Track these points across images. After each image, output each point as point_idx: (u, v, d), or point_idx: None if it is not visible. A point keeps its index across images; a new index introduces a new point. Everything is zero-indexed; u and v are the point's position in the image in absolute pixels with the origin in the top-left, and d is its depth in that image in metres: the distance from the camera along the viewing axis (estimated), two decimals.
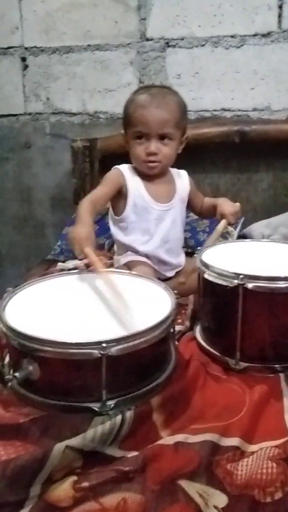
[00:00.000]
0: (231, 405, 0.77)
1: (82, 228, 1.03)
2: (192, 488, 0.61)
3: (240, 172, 1.72)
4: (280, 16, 1.57)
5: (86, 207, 1.09)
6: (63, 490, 0.61)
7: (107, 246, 1.53)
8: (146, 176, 1.21)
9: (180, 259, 1.28)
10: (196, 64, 1.66)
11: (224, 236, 1.30)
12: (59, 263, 1.46)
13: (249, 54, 1.62)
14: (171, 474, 0.63)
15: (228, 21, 1.60)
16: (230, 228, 1.32)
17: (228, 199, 1.26)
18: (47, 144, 1.84)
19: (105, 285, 0.92)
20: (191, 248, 1.46)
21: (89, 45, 1.70)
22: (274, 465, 0.65)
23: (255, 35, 1.60)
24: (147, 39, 1.66)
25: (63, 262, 1.48)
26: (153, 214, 1.20)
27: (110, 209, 1.25)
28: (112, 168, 1.23)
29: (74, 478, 0.63)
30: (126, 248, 1.22)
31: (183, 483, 0.62)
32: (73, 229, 1.04)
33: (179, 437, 0.70)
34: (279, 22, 1.58)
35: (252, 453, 0.68)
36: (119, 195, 1.20)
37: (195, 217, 1.55)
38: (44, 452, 0.64)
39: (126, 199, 1.19)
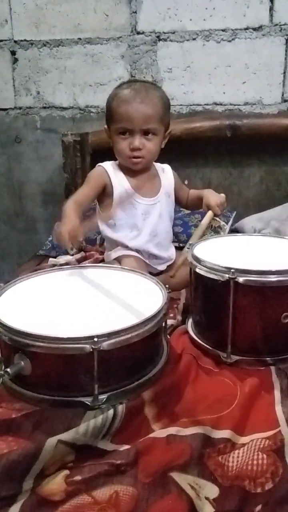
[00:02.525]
0: (223, 398, 0.77)
1: (69, 224, 1.00)
2: (184, 480, 0.62)
3: (232, 166, 1.73)
4: (271, 9, 1.57)
5: (70, 207, 1.07)
6: (56, 484, 0.62)
7: (99, 241, 1.53)
8: (130, 172, 1.21)
9: (170, 252, 1.29)
10: (188, 58, 1.65)
11: (216, 231, 1.31)
12: (51, 259, 1.46)
13: (240, 48, 1.62)
14: (163, 467, 0.64)
15: (219, 14, 1.60)
16: (222, 223, 1.32)
17: (215, 192, 1.25)
18: (37, 139, 1.83)
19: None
20: (182, 243, 1.46)
21: (79, 39, 1.69)
22: (265, 456, 0.65)
23: (246, 28, 1.60)
24: (138, 33, 1.66)
25: (55, 257, 1.48)
26: (139, 209, 1.20)
27: (98, 207, 1.25)
28: (96, 166, 1.23)
29: (67, 472, 0.64)
30: (116, 243, 1.22)
31: (175, 475, 0.62)
32: (59, 226, 1.01)
33: (171, 430, 0.70)
34: (271, 15, 1.58)
35: (243, 445, 0.68)
36: (104, 193, 1.20)
37: (187, 212, 1.56)
38: (36, 447, 0.64)
39: (111, 196, 1.19)
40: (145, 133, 1.15)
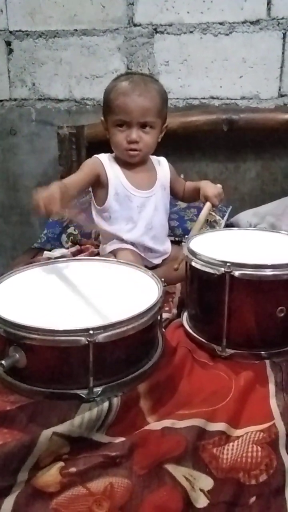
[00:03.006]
0: (218, 391, 0.78)
1: (47, 192, 0.96)
2: (179, 472, 0.62)
3: (228, 160, 1.72)
4: (269, 3, 1.57)
5: (55, 183, 1.03)
6: (51, 476, 0.62)
7: (94, 235, 1.52)
8: (126, 165, 1.20)
9: (166, 246, 1.29)
10: (185, 51, 1.64)
11: (212, 225, 1.31)
12: (45, 252, 1.45)
13: (238, 42, 1.61)
14: (157, 459, 0.64)
15: (217, 7, 1.59)
16: (218, 217, 1.32)
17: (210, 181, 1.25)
18: (33, 131, 1.81)
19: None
20: (178, 237, 1.46)
21: (75, 30, 1.67)
22: (259, 448, 0.66)
23: (244, 22, 1.59)
24: (135, 25, 1.64)
25: (50, 250, 1.47)
26: (135, 201, 1.19)
27: (93, 199, 1.24)
28: (92, 157, 1.22)
29: (62, 464, 0.64)
30: (112, 236, 1.22)
31: (170, 467, 0.63)
32: (37, 192, 0.97)
33: (166, 423, 0.70)
34: (268, 9, 1.57)
35: (238, 437, 0.69)
36: (99, 185, 1.19)
37: (183, 205, 1.56)
38: (31, 439, 0.64)
39: (107, 188, 1.18)
40: (143, 126, 1.14)
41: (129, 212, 1.20)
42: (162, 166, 1.28)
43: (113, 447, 0.66)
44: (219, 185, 1.23)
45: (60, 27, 1.68)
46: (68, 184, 1.10)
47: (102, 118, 1.20)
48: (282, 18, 1.57)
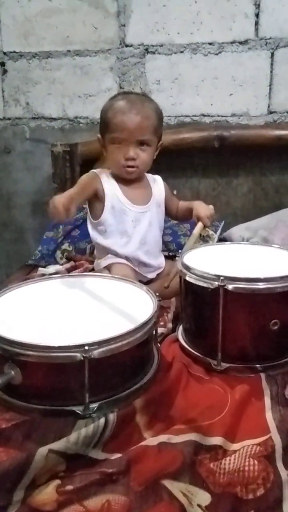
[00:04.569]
0: (213, 405, 0.77)
1: (63, 196, 1.01)
2: (176, 488, 0.62)
3: (220, 176, 1.75)
4: (256, 24, 1.61)
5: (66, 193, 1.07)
6: (47, 494, 0.61)
7: (88, 251, 1.53)
8: (123, 180, 1.22)
9: (160, 261, 1.30)
10: (175, 70, 1.68)
11: (205, 240, 1.32)
12: (40, 268, 1.45)
13: (227, 61, 1.65)
14: (154, 475, 0.63)
15: (206, 28, 1.63)
16: (211, 232, 1.33)
17: (203, 202, 1.27)
18: (27, 149, 1.83)
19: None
20: (172, 252, 1.47)
21: (68, 51, 1.71)
22: (256, 462, 0.66)
23: (232, 42, 1.64)
24: (127, 45, 1.68)
25: (44, 267, 1.47)
26: (130, 216, 1.21)
27: (88, 214, 1.26)
28: (89, 172, 1.24)
29: (58, 482, 0.63)
30: (106, 251, 1.23)
31: (167, 482, 0.62)
32: (54, 200, 1.01)
33: (162, 438, 0.70)
34: (256, 30, 1.62)
35: (234, 451, 0.69)
36: (96, 199, 1.21)
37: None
38: (27, 457, 0.63)
39: (103, 202, 1.20)
40: (140, 143, 1.17)
41: (124, 226, 1.21)
42: (157, 184, 1.30)
43: (109, 463, 0.66)
44: (211, 206, 1.26)
45: (54, 48, 1.71)
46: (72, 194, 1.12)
47: (99, 135, 1.22)
48: (270, 38, 1.62)
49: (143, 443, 0.69)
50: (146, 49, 1.68)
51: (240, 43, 1.63)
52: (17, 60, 1.74)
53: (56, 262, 1.51)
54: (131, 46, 1.68)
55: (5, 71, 1.77)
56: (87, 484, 0.62)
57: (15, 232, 1.92)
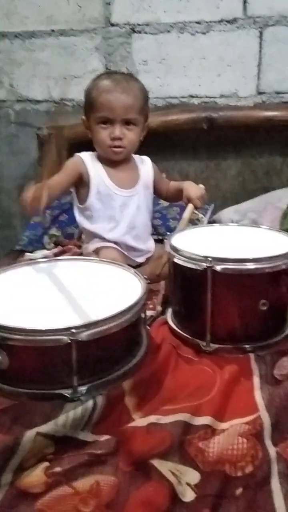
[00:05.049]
0: (202, 385, 0.78)
1: (32, 190, 0.99)
2: (165, 467, 0.62)
3: (209, 159, 1.73)
4: (245, 2, 1.58)
5: (39, 184, 1.05)
6: (35, 476, 0.61)
7: (76, 235, 1.52)
8: (109, 163, 1.20)
9: (149, 245, 1.28)
10: (163, 50, 1.65)
11: (195, 223, 1.31)
12: (27, 253, 1.44)
13: (215, 41, 1.62)
14: (143, 455, 0.63)
15: (193, 6, 1.60)
16: (200, 215, 1.32)
17: (193, 182, 1.26)
18: (12, 133, 1.79)
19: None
20: (162, 235, 1.46)
21: (52, 30, 1.66)
22: (245, 440, 0.66)
23: (220, 21, 1.60)
24: (112, 25, 1.64)
25: (31, 252, 1.45)
26: (117, 200, 1.19)
27: (75, 198, 1.24)
28: (74, 156, 1.22)
29: (46, 464, 0.63)
30: (94, 235, 1.21)
31: (156, 462, 0.62)
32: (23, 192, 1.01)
33: (151, 419, 0.70)
34: (244, 8, 1.59)
35: (223, 430, 0.69)
36: (81, 183, 1.19)
37: (166, 204, 1.56)
38: (14, 440, 0.63)
39: (89, 187, 1.18)
40: (126, 123, 1.14)
41: (111, 211, 1.19)
42: (145, 165, 1.28)
43: (98, 445, 0.66)
44: (201, 186, 1.23)
45: (37, 27, 1.66)
46: (49, 183, 1.10)
47: (84, 117, 1.19)
48: (258, 17, 1.59)
49: (131, 424, 0.69)
50: (132, 29, 1.64)
51: (228, 21, 1.60)
52: None
53: (43, 247, 1.49)
54: (116, 25, 1.64)
55: None
56: (75, 465, 0.62)
57: (1, 217, 1.89)
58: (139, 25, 1.63)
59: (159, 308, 1.06)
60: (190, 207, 1.19)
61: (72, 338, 0.70)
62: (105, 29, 1.64)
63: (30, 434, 0.64)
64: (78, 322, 0.72)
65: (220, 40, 1.62)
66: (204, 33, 1.62)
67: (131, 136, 1.16)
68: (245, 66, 1.64)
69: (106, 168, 1.20)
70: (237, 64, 1.64)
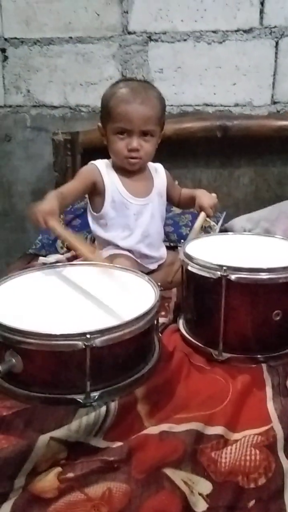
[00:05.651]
0: (215, 394, 0.77)
1: (46, 204, 0.99)
2: (177, 476, 0.62)
3: (222, 167, 1.74)
4: (261, 12, 1.59)
5: (53, 193, 1.06)
6: (48, 481, 0.61)
7: (89, 240, 1.52)
8: (124, 172, 1.20)
9: (161, 252, 1.29)
10: (179, 58, 1.66)
11: (206, 231, 1.32)
12: (41, 257, 1.45)
13: (231, 50, 1.63)
14: (156, 463, 0.63)
15: (210, 16, 1.61)
16: (212, 223, 1.33)
17: (205, 190, 1.26)
18: (27, 137, 1.81)
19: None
20: (173, 242, 1.46)
21: (70, 37, 1.68)
22: (257, 452, 0.66)
23: (237, 30, 1.61)
24: (129, 33, 1.66)
25: (45, 256, 1.46)
26: (131, 209, 1.19)
27: (89, 206, 1.24)
28: (88, 163, 1.22)
29: (59, 469, 0.63)
30: (107, 243, 1.22)
31: (168, 471, 0.62)
32: (35, 205, 1.00)
33: (164, 427, 0.70)
34: (261, 18, 1.60)
35: (236, 441, 0.69)
36: (96, 192, 1.19)
37: (178, 211, 1.56)
38: (28, 444, 0.63)
39: (103, 195, 1.18)
40: (144, 133, 1.14)
41: (125, 220, 1.20)
42: (158, 173, 1.28)
43: (111, 451, 0.66)
44: (214, 195, 1.24)
45: (55, 34, 1.69)
46: (64, 192, 1.11)
47: (100, 124, 1.20)
48: (275, 27, 1.60)
49: (144, 431, 0.69)
50: (149, 37, 1.65)
51: (245, 31, 1.61)
52: (18, 47, 1.72)
53: (56, 252, 1.50)
54: (134, 33, 1.65)
55: (6, 58, 1.74)
56: (88, 471, 0.62)
57: (15, 221, 1.91)
58: (156, 33, 1.64)
59: (170, 316, 1.06)
60: (202, 215, 1.20)
61: (86, 343, 0.70)
62: (122, 36, 1.66)
63: (43, 438, 0.64)
64: (92, 327, 0.73)
65: (236, 50, 1.63)
66: (220, 42, 1.63)
67: (148, 147, 1.16)
68: (260, 75, 1.65)
69: (120, 177, 1.20)
70: (252, 74, 1.65)
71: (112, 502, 0.58)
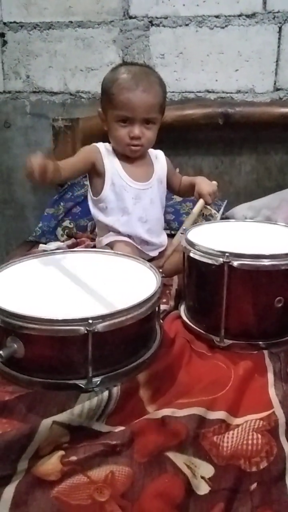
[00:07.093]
0: (217, 380, 0.77)
1: (41, 158, 0.93)
2: (180, 459, 0.62)
3: (224, 154, 1.72)
4: None
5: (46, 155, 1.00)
6: (51, 464, 0.61)
7: (89, 228, 1.52)
8: (125, 158, 1.20)
9: (162, 239, 1.28)
10: (180, 44, 1.64)
11: (207, 219, 1.31)
12: (41, 245, 1.44)
13: (233, 35, 1.61)
14: (158, 447, 0.64)
15: (212, 0, 1.58)
16: (213, 211, 1.32)
17: (206, 178, 1.25)
18: (27, 124, 1.79)
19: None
20: (174, 230, 1.46)
21: (70, 22, 1.66)
22: (259, 436, 0.66)
23: (239, 15, 1.59)
24: (130, 17, 1.63)
25: (45, 243, 1.46)
26: (130, 192, 1.19)
27: (89, 190, 1.24)
28: (91, 144, 1.22)
29: (62, 452, 0.63)
30: (108, 229, 1.21)
31: (171, 454, 0.63)
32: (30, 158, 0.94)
33: (166, 412, 0.70)
34: (264, 3, 1.57)
35: (237, 425, 0.69)
36: (96, 174, 1.19)
37: (179, 199, 1.55)
38: (31, 428, 0.63)
39: (103, 178, 1.18)
40: (145, 121, 1.13)
41: (124, 203, 1.19)
42: (159, 160, 1.28)
43: (113, 435, 0.66)
44: (214, 182, 1.23)
45: (55, 18, 1.66)
46: (61, 161, 1.09)
47: (100, 110, 1.19)
48: (278, 12, 1.57)
49: (146, 416, 0.70)
50: (150, 21, 1.63)
51: (247, 16, 1.59)
52: (17, 31, 1.69)
53: (57, 239, 1.50)
54: (135, 18, 1.63)
55: (5, 43, 1.72)
56: (91, 455, 0.62)
57: (15, 208, 1.90)
58: (157, 18, 1.62)
59: (172, 302, 1.06)
60: (200, 202, 1.19)
61: (88, 328, 0.70)
62: (123, 21, 1.64)
63: (46, 422, 0.64)
64: (94, 313, 0.72)
65: (239, 35, 1.61)
66: (222, 28, 1.61)
67: (149, 134, 1.15)
68: (263, 61, 1.63)
69: (121, 161, 1.19)
70: (254, 60, 1.63)
71: (114, 484, 0.59)
